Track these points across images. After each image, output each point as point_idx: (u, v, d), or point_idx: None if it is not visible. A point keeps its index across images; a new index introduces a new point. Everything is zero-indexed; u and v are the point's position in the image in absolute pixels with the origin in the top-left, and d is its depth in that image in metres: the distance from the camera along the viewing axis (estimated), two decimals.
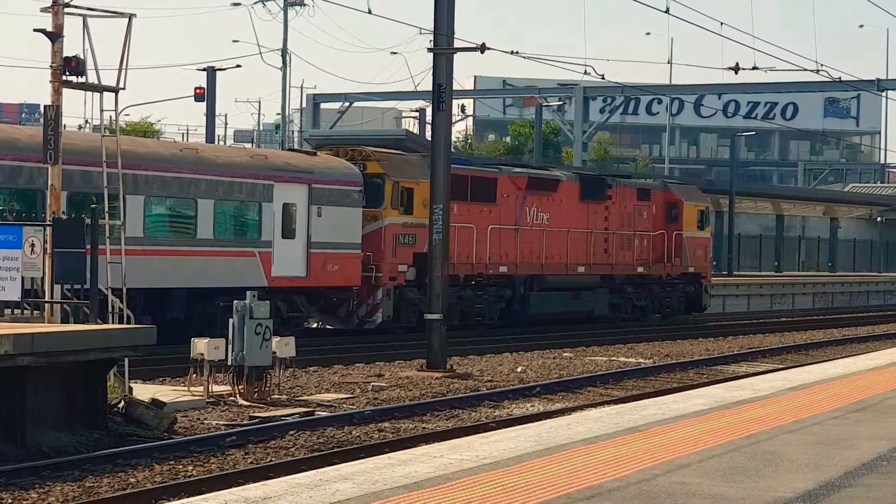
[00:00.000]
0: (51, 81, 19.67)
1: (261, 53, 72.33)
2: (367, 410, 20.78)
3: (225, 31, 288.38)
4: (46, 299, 19.50)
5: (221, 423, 19.24)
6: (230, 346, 21.35)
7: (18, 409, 16.31)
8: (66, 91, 19.77)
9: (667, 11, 34.62)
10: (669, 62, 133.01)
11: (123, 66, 20.15)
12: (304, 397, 22.40)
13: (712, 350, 35.74)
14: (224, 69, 62.40)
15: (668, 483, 10.53)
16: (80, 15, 19.80)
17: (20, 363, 16.03)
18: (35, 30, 19.86)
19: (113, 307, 20.20)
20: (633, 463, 11.45)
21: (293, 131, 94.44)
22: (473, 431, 17.71)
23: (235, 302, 21.70)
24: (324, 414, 20.43)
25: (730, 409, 15.70)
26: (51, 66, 19.63)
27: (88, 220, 19.81)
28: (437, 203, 27.48)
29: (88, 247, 19.39)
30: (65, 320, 19.43)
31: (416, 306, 35.07)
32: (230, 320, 21.58)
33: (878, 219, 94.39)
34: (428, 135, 55.17)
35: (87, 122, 65.12)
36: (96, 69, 19.88)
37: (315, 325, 35.85)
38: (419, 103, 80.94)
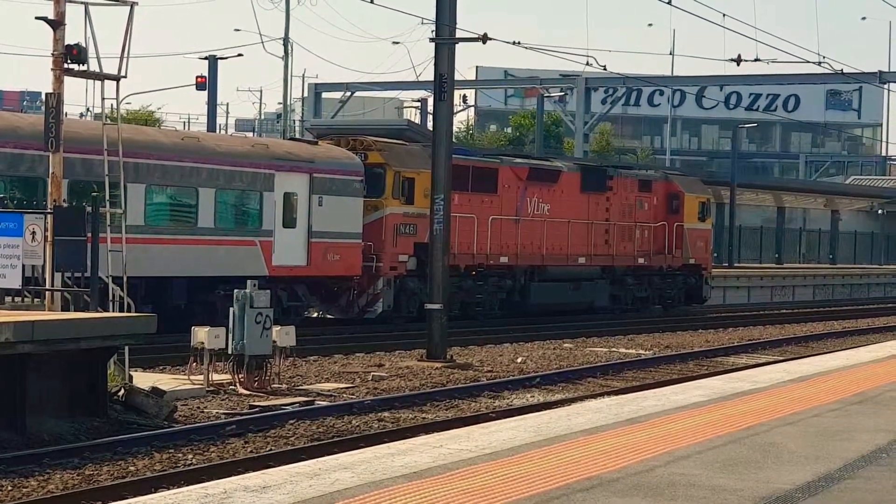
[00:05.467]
0: (52, 69, 19.64)
1: (262, 42, 72.64)
2: (367, 400, 20.79)
3: (226, 19, 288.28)
4: (47, 287, 19.49)
5: (221, 411, 19.25)
6: (230, 335, 21.35)
7: (19, 396, 16.32)
8: (67, 79, 19.76)
9: (669, 3, 34.62)
10: (671, 53, 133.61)
11: (125, 55, 20.14)
12: (304, 386, 22.41)
13: (712, 341, 35.73)
14: (226, 58, 62.44)
15: (667, 474, 10.54)
16: (81, 3, 19.79)
17: (21, 351, 16.04)
18: (37, 17, 19.84)
19: (113, 295, 20.20)
20: (633, 454, 11.46)
21: (294, 120, 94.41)
22: (473, 422, 17.70)
23: (236, 291, 21.69)
24: (324, 403, 20.44)
25: (729, 400, 15.72)
26: (52, 54, 19.60)
27: (89, 209, 19.81)
28: (438, 193, 27.49)
29: (89, 235, 19.39)
30: (65, 308, 19.43)
31: (416, 296, 35.08)
32: (231, 309, 21.58)
33: (880, 211, 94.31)
34: (429, 125, 55.11)
35: (88, 110, 65.17)
36: (98, 57, 19.87)
37: (315, 315, 35.87)
38: (421, 93, 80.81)
